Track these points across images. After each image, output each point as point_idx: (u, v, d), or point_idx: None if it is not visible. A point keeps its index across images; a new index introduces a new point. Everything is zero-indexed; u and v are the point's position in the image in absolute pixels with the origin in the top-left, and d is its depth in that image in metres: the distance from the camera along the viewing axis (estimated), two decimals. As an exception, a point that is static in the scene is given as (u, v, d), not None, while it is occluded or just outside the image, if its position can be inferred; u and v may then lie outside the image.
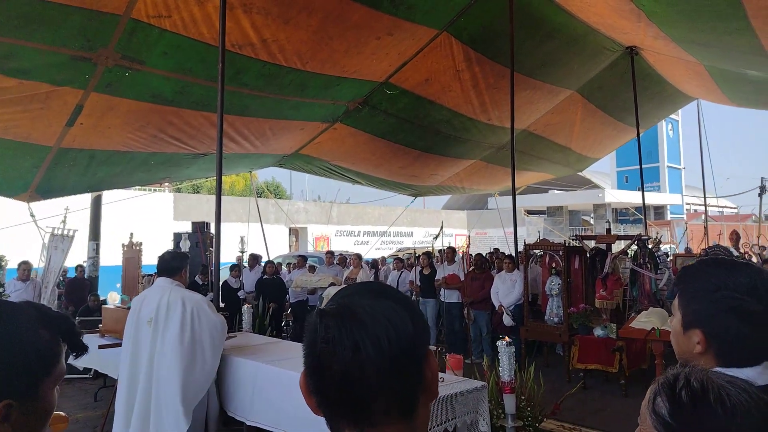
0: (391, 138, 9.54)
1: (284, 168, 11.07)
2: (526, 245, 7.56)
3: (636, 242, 7.10)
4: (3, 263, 9.27)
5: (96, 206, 10.98)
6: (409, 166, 10.87)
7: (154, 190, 19.47)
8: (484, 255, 9.06)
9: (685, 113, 29.83)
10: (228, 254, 8.85)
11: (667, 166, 30.75)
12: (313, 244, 23.03)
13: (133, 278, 6.77)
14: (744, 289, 1.09)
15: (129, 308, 4.18)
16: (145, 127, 6.80)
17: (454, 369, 4.13)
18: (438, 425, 3.21)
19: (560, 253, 7.06)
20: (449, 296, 8.29)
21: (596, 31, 8.07)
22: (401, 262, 10.32)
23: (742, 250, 9.55)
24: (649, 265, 6.70)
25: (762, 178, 17.41)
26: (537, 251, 7.80)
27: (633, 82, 9.30)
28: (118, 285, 8.99)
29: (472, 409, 3.45)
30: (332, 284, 8.58)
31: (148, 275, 6.81)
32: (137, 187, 16.28)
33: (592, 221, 29.62)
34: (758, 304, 1.08)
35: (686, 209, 31.11)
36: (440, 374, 3.63)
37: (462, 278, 8.29)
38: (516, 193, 8.55)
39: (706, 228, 17.65)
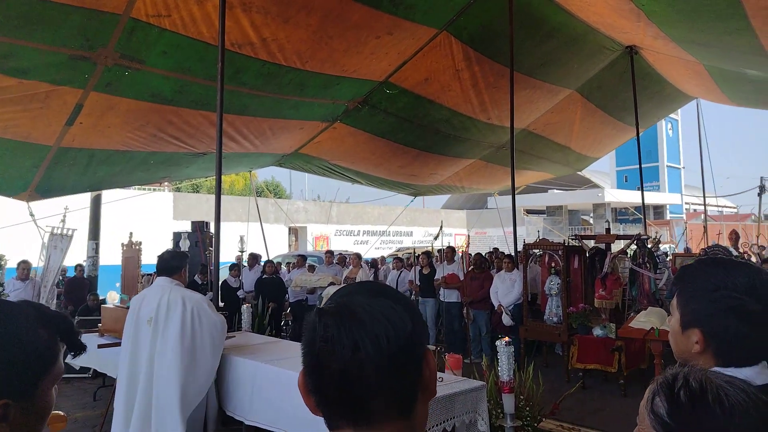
0: (391, 137, 9.53)
1: (284, 167, 11.07)
2: (525, 245, 7.56)
3: (635, 242, 7.10)
4: (2, 262, 9.27)
5: (95, 206, 10.97)
6: (408, 166, 10.87)
7: (154, 190, 19.47)
8: (483, 254, 9.06)
9: (684, 113, 29.83)
10: (227, 254, 8.84)
11: (667, 166, 30.74)
12: (313, 244, 23.03)
13: (132, 278, 6.76)
14: (743, 288, 1.09)
15: (128, 308, 4.18)
16: (145, 126, 6.80)
17: (453, 369, 4.14)
18: (437, 425, 3.21)
19: (559, 252, 7.06)
20: (449, 296, 8.29)
21: (596, 30, 8.07)
22: (401, 261, 10.32)
23: (741, 250, 9.55)
24: (648, 265, 6.70)
25: (761, 177, 17.45)
26: (536, 251, 7.80)
27: (632, 81, 9.30)
28: (118, 284, 8.99)
29: (471, 409, 3.45)
30: (331, 284, 8.58)
31: (148, 275, 6.80)
32: (137, 187, 16.27)
33: (591, 221, 29.62)
34: (757, 304, 1.08)
35: (686, 209, 31.11)
36: (439, 374, 3.63)
37: (461, 278, 8.29)
38: (515, 192, 8.56)
39: (705, 228, 17.66)
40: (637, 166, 10.49)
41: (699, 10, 5.70)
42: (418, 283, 8.72)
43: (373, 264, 12.01)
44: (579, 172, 20.56)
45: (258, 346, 4.68)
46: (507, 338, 3.99)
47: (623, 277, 7.07)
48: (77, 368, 6.18)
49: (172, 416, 3.67)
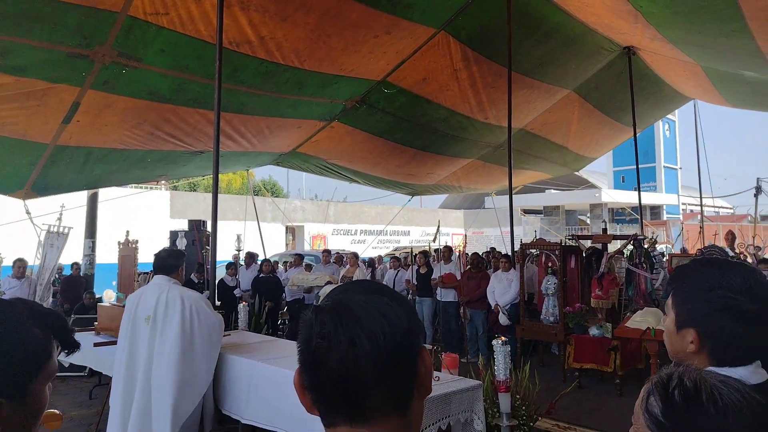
0: (389, 137, 9.54)
1: (281, 166, 11.07)
2: (522, 244, 7.57)
3: (632, 242, 7.12)
4: (-2, 260, 9.24)
5: (92, 204, 10.95)
6: (406, 165, 10.87)
7: (151, 188, 19.43)
8: (480, 254, 9.07)
9: (681, 113, 30.03)
10: (224, 252, 8.86)
11: (664, 166, 30.82)
12: (310, 243, 23.02)
13: (129, 276, 6.75)
14: (738, 288, 1.10)
15: (124, 306, 4.17)
16: (142, 124, 6.79)
17: (449, 368, 4.14)
18: (432, 423, 3.22)
19: (556, 252, 7.07)
20: (446, 295, 8.30)
21: (594, 31, 8.08)
22: (398, 260, 10.32)
23: (737, 251, 9.58)
24: (644, 265, 6.72)
25: (758, 178, 17.50)
26: (533, 250, 7.82)
27: (630, 82, 9.32)
28: (114, 283, 8.96)
29: (467, 408, 3.45)
30: (329, 283, 8.57)
31: (144, 273, 6.80)
32: (133, 185, 16.24)
33: (588, 221, 29.67)
34: (752, 304, 1.08)
35: (682, 209, 31.20)
36: (436, 373, 3.64)
37: (458, 277, 8.30)
38: (513, 192, 8.56)
39: (701, 228, 17.70)
40: (634, 167, 10.52)
41: (697, 11, 5.71)
42: (415, 283, 8.73)
43: (370, 263, 12.02)
44: (576, 173, 20.59)
45: (255, 345, 4.67)
46: (503, 338, 3.99)
47: (620, 277, 7.09)
48: (66, 365, 6.16)
49: (172, 415, 3.66)
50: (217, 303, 7.21)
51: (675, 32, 6.91)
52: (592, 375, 6.56)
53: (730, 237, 9.06)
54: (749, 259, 9.66)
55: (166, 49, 5.76)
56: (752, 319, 1.08)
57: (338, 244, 22.39)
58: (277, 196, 30.51)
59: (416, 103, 8.71)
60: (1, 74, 5.24)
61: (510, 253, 8.11)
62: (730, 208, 33.61)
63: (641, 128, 11.98)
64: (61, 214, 8.65)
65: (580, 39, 8.19)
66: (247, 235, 10.42)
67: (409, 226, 27.10)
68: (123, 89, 6.09)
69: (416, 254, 9.06)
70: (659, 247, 12.05)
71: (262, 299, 8.24)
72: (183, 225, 12.12)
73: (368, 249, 17.67)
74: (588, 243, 7.66)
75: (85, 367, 6.49)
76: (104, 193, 11.38)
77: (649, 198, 27.06)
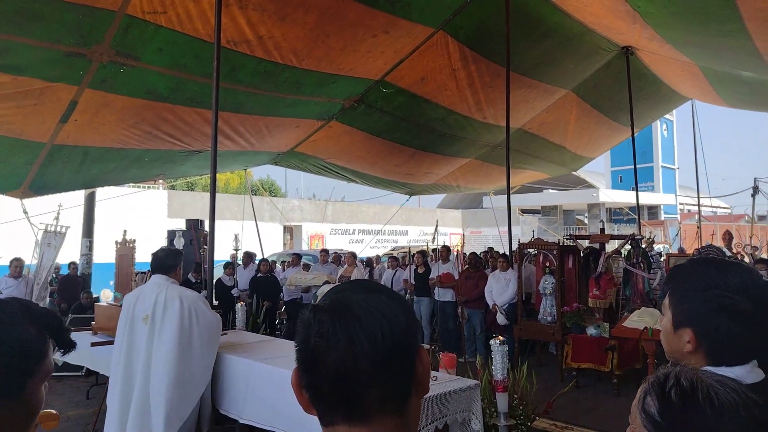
0: (387, 136, 9.53)
1: (279, 166, 11.05)
2: (520, 244, 7.58)
3: (629, 242, 7.13)
4: (-5, 260, 9.22)
5: (89, 203, 10.92)
6: (404, 165, 10.87)
7: (148, 187, 19.38)
8: (478, 254, 9.08)
9: (679, 113, 30.04)
10: (222, 252, 8.85)
11: (661, 166, 30.88)
12: (308, 243, 23.01)
13: (126, 275, 6.74)
14: (734, 288, 1.10)
15: (121, 305, 4.16)
16: (140, 123, 6.78)
17: (447, 367, 4.14)
18: (429, 423, 3.22)
19: (554, 252, 7.08)
20: (443, 295, 8.30)
21: (592, 30, 8.09)
22: (396, 260, 10.32)
23: (734, 251, 9.60)
24: (642, 265, 6.73)
25: (755, 178, 17.54)
26: (531, 250, 7.83)
27: (628, 81, 9.32)
28: (111, 282, 8.95)
29: (465, 408, 3.46)
30: (327, 282, 8.57)
31: (142, 273, 6.80)
32: (131, 184, 16.21)
33: (586, 221, 29.73)
34: (748, 303, 1.08)
35: (680, 209, 31.27)
36: (434, 372, 3.64)
37: (456, 277, 8.30)
38: (511, 192, 8.57)
39: (699, 228, 17.74)
40: (632, 167, 10.54)
41: (694, 12, 5.72)
42: (413, 282, 8.73)
43: (368, 263, 12.02)
44: (574, 172, 20.61)
45: (252, 345, 4.67)
46: (501, 337, 4.00)
47: (617, 277, 7.10)
48: (60, 363, 6.15)
49: (171, 415, 3.66)
50: (215, 303, 7.20)
51: (673, 32, 6.92)
52: (589, 375, 6.57)
53: (728, 237, 9.09)
54: (746, 259, 9.68)
55: (164, 48, 5.74)
56: (749, 319, 1.08)
57: (336, 243, 22.38)
58: (275, 196, 30.49)
59: (414, 103, 8.71)
60: (-2, 73, 5.23)
61: (508, 253, 8.12)
62: (728, 208, 33.70)
63: (639, 128, 11.99)
64: (58, 214, 8.63)
65: (579, 39, 8.20)
66: (244, 234, 10.41)
67: (407, 226, 27.10)
68: (121, 88, 6.08)
69: (414, 254, 9.06)
70: (657, 247, 12.07)
71: (259, 299, 8.24)
72: (180, 224, 12.10)
73: (366, 249, 17.67)
74: (585, 243, 7.67)
75: (82, 366, 6.47)
76: (101, 193, 11.36)
77: (646, 198, 27.13)
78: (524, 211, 28.92)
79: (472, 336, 7.88)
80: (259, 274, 8.95)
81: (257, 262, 9.55)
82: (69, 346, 1.06)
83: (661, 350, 1.28)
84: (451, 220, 30.42)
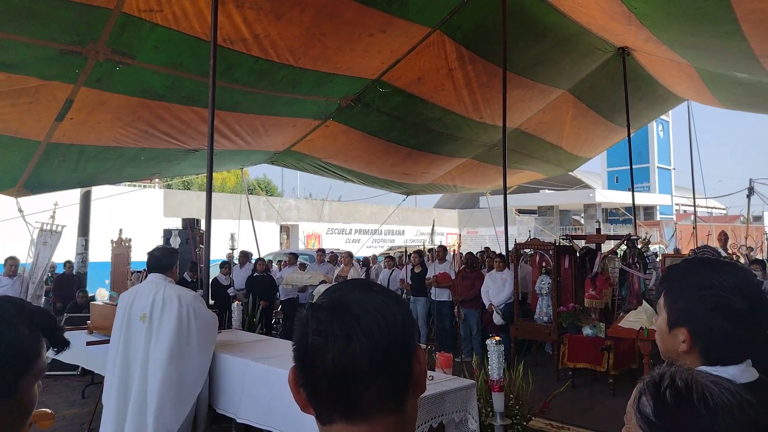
0: (383, 136, 9.53)
1: (276, 165, 11.04)
2: (516, 244, 7.59)
3: (625, 242, 7.14)
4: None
5: (85, 202, 10.89)
6: (400, 164, 10.87)
7: (144, 186, 19.33)
8: (474, 254, 9.09)
9: (675, 114, 30.11)
10: (218, 251, 8.80)
11: (657, 167, 30.98)
12: (304, 242, 22.99)
13: (122, 275, 6.73)
14: (729, 287, 1.10)
15: (117, 305, 4.15)
16: (136, 122, 6.76)
17: (443, 367, 4.15)
18: (425, 422, 3.22)
19: (550, 252, 7.10)
20: (440, 295, 8.31)
21: (588, 31, 8.11)
22: (392, 260, 10.32)
23: (730, 251, 9.64)
24: (638, 265, 6.74)
25: (750, 179, 17.61)
26: (527, 250, 7.84)
27: (624, 82, 9.35)
28: (107, 281, 8.94)
29: (461, 408, 3.46)
30: (323, 282, 8.57)
31: (138, 272, 6.77)
32: (127, 183, 16.17)
33: (582, 221, 29.78)
34: (742, 303, 1.09)
35: (675, 210, 31.37)
36: (430, 372, 3.64)
37: (453, 277, 8.31)
38: (507, 192, 8.58)
39: (695, 228, 17.80)
40: (628, 167, 10.56)
41: (690, 13, 5.73)
42: (410, 282, 8.73)
43: (365, 262, 12.02)
44: (570, 173, 20.66)
45: (248, 344, 4.66)
46: (497, 337, 4.00)
47: (613, 277, 7.11)
48: (49, 360, 6.13)
49: (168, 414, 3.65)
50: (211, 302, 7.19)
51: (669, 34, 6.94)
52: (585, 374, 6.58)
53: (723, 237, 9.12)
54: (742, 260, 9.73)
55: (160, 46, 5.73)
56: (743, 318, 1.09)
57: (333, 243, 22.37)
58: (271, 195, 30.46)
59: (411, 103, 8.72)
60: (-6, 71, 5.21)
61: (504, 253, 8.13)
62: (723, 209, 33.84)
63: (635, 129, 12.04)
64: (54, 212, 8.59)
65: (575, 39, 8.22)
66: (241, 233, 10.39)
67: (404, 226, 27.12)
68: (116, 87, 6.06)
69: (411, 254, 9.07)
70: (652, 248, 12.11)
71: (256, 298, 8.22)
72: (177, 223, 12.07)
73: (363, 248, 17.67)
74: (582, 243, 7.69)
75: (78, 365, 6.45)
76: (97, 191, 11.33)
77: (642, 198, 27.20)
78: (521, 212, 28.96)
79: (468, 336, 7.89)
80: (256, 274, 8.94)
81: (253, 261, 9.53)
82: (62, 344, 1.05)
83: (656, 350, 1.28)
84: (448, 220, 30.45)
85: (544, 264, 7.10)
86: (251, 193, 21.60)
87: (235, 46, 6.09)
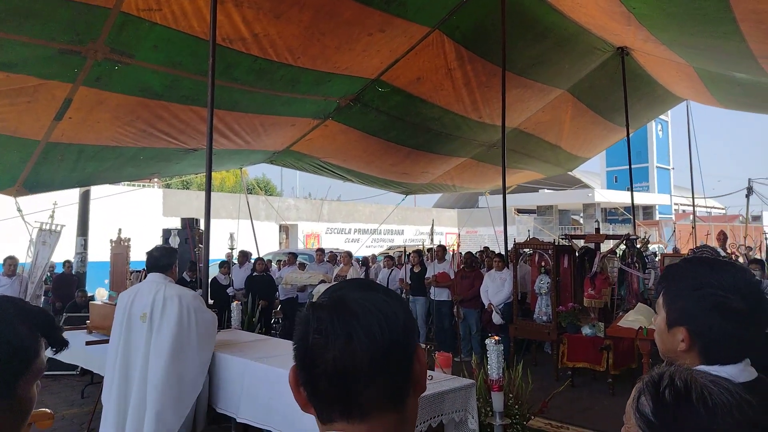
0: (383, 135, 9.53)
1: (275, 165, 11.04)
2: (515, 244, 7.59)
3: (624, 242, 7.15)
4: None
5: (84, 201, 10.88)
6: (400, 164, 10.87)
7: (143, 186, 19.31)
8: (474, 253, 9.09)
9: (674, 114, 30.11)
10: (217, 251, 8.80)
11: (656, 167, 31.00)
12: (304, 242, 22.98)
13: (121, 274, 6.72)
14: (727, 287, 1.10)
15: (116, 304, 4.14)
16: (135, 121, 6.75)
17: (443, 367, 4.15)
18: (423, 422, 3.22)
19: (549, 252, 7.10)
20: (439, 294, 8.31)
21: (587, 31, 8.11)
22: (391, 260, 10.32)
23: (729, 251, 9.65)
24: (637, 265, 6.75)
25: (749, 179, 17.62)
26: (527, 250, 7.84)
27: (623, 82, 9.36)
28: (106, 281, 8.92)
29: (460, 407, 3.46)
30: (322, 282, 8.57)
31: (137, 271, 6.77)
32: (126, 183, 16.16)
33: (581, 221, 29.80)
34: (741, 302, 1.09)
35: (674, 209, 31.38)
36: (429, 372, 3.64)
37: (452, 276, 8.31)
38: (506, 192, 8.58)
39: (694, 228, 17.81)
40: (627, 167, 10.57)
41: (689, 13, 5.73)
42: (409, 282, 8.73)
43: (364, 262, 12.02)
44: (569, 173, 20.67)
45: (248, 344, 4.66)
46: (497, 337, 4.00)
47: (612, 277, 7.12)
48: (46, 359, 6.12)
49: (169, 413, 3.65)
50: (210, 302, 7.18)
51: (668, 34, 6.94)
52: (584, 374, 6.59)
53: (722, 237, 9.12)
54: (741, 260, 9.74)
55: (159, 45, 5.72)
56: (741, 318, 1.09)
57: (332, 242, 22.37)
58: (270, 195, 30.45)
59: (410, 103, 8.72)
60: (-8, 70, 5.20)
61: (503, 253, 8.13)
62: (722, 209, 33.85)
63: (634, 128, 12.04)
64: (53, 212, 8.58)
65: (574, 39, 8.22)
66: (240, 233, 10.38)
67: (403, 225, 27.11)
68: (115, 86, 6.05)
69: (410, 253, 9.07)
70: (651, 247, 12.12)
71: (255, 298, 8.21)
72: (176, 223, 12.06)
73: (362, 248, 17.66)
74: (581, 242, 7.69)
75: (77, 365, 6.45)
76: (96, 191, 11.31)
77: (641, 198, 27.21)
78: (520, 211, 28.97)
79: (467, 335, 7.89)
80: (255, 273, 8.94)
81: (253, 261, 9.53)
82: (61, 344, 1.05)
83: (655, 350, 1.28)
84: (447, 219, 30.46)
85: (543, 263, 7.10)
86: (250, 193, 21.61)
87: (234, 45, 6.09)
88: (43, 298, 9.38)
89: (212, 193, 5.44)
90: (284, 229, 23.55)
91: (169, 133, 7.23)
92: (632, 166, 10.72)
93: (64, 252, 10.54)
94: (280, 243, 22.75)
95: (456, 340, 8.09)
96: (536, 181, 17.99)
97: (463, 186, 13.89)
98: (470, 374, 4.19)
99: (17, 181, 7.27)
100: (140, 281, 4.27)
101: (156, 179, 17.38)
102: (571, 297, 7.06)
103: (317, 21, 6.14)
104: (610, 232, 17.88)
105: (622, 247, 7.25)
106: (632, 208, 10.80)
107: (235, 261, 9.69)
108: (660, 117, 25.57)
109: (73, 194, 10.54)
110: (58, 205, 8.76)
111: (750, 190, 17.32)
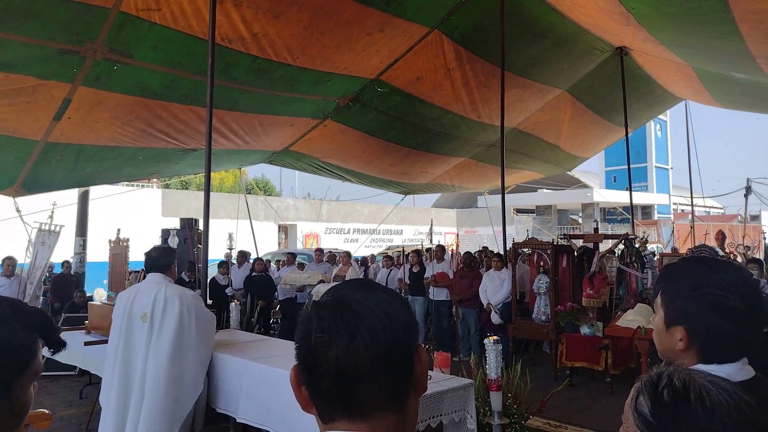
0: (382, 135, 9.53)
1: (274, 165, 11.03)
2: (514, 244, 7.59)
3: (623, 241, 7.15)
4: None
5: (83, 202, 10.87)
6: (399, 164, 10.87)
7: (142, 186, 19.30)
8: (473, 253, 9.10)
9: (673, 114, 30.21)
10: (216, 251, 8.80)
11: (655, 167, 31.02)
12: (303, 242, 22.98)
13: (119, 274, 6.71)
14: (725, 286, 1.11)
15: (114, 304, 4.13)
16: (134, 121, 6.75)
17: (441, 367, 4.15)
18: (423, 421, 3.22)
19: (548, 251, 7.10)
20: (438, 294, 8.31)
21: (586, 31, 8.12)
22: (390, 259, 10.32)
23: (727, 250, 9.66)
24: (635, 264, 6.76)
25: (748, 179, 17.65)
26: (525, 250, 7.84)
27: (622, 82, 9.36)
28: (105, 281, 8.91)
29: (459, 407, 3.46)
30: (321, 282, 8.57)
31: (135, 272, 6.76)
32: (125, 183, 16.15)
33: (580, 220, 29.82)
34: (739, 301, 1.09)
35: (673, 209, 31.41)
36: (428, 372, 3.64)
37: (451, 276, 8.31)
38: (505, 191, 8.59)
39: (692, 228, 17.83)
40: (626, 167, 10.57)
41: (688, 13, 5.74)
42: (408, 282, 8.74)
43: (363, 262, 12.02)
44: (568, 172, 20.69)
45: (246, 344, 4.66)
46: (495, 336, 4.00)
47: (611, 277, 7.12)
48: (44, 359, 6.11)
49: (169, 413, 3.65)
50: (209, 302, 7.18)
51: (666, 34, 6.95)
52: (583, 374, 6.59)
53: (721, 237, 9.13)
54: (739, 259, 9.75)
55: (158, 45, 5.72)
56: (739, 317, 1.09)
57: (331, 242, 22.37)
58: (269, 195, 30.43)
59: (409, 103, 8.72)
60: (-9, 70, 5.20)
61: (502, 252, 8.13)
62: (721, 208, 33.90)
63: (633, 128, 12.05)
64: (52, 212, 8.57)
65: (573, 39, 8.23)
66: (239, 233, 10.39)
67: (402, 225, 27.12)
68: (114, 86, 6.05)
69: (409, 253, 9.07)
70: (650, 247, 12.13)
71: (254, 298, 8.20)
72: (175, 223, 12.06)
73: (361, 248, 17.66)
74: (579, 242, 7.69)
75: (75, 366, 6.44)
76: (95, 191, 11.30)
77: (640, 198, 27.23)
78: (519, 211, 28.98)
79: (466, 335, 7.90)
80: (254, 273, 8.93)
81: (252, 261, 9.52)
82: (58, 345, 1.05)
83: (654, 349, 1.28)
84: (446, 219, 30.46)
85: (542, 263, 7.11)
86: (249, 193, 21.61)
87: (233, 45, 6.09)
88: (41, 298, 9.37)
89: (211, 194, 5.44)
90: (283, 229, 23.54)
91: (168, 133, 7.22)
92: (631, 166, 10.72)
93: (62, 252, 10.53)
94: (279, 243, 22.74)
95: (455, 339, 8.09)
96: (535, 180, 18.00)
97: (462, 186, 13.89)
98: (469, 374, 4.20)
99: (16, 181, 7.26)
100: (139, 281, 4.27)
101: (155, 179, 17.36)
102: (569, 297, 7.06)
103: (316, 21, 6.14)
104: (609, 232, 17.89)
105: (621, 246, 7.26)
106: (631, 208, 10.82)
107: (234, 261, 9.68)
108: (659, 117, 25.62)
109: (72, 194, 10.53)
110: (57, 205, 8.75)
111: (748, 190, 17.35)
